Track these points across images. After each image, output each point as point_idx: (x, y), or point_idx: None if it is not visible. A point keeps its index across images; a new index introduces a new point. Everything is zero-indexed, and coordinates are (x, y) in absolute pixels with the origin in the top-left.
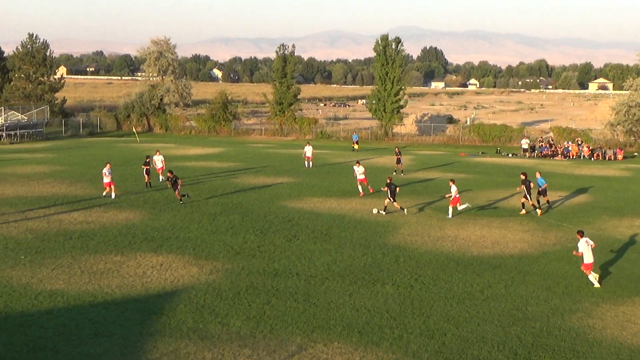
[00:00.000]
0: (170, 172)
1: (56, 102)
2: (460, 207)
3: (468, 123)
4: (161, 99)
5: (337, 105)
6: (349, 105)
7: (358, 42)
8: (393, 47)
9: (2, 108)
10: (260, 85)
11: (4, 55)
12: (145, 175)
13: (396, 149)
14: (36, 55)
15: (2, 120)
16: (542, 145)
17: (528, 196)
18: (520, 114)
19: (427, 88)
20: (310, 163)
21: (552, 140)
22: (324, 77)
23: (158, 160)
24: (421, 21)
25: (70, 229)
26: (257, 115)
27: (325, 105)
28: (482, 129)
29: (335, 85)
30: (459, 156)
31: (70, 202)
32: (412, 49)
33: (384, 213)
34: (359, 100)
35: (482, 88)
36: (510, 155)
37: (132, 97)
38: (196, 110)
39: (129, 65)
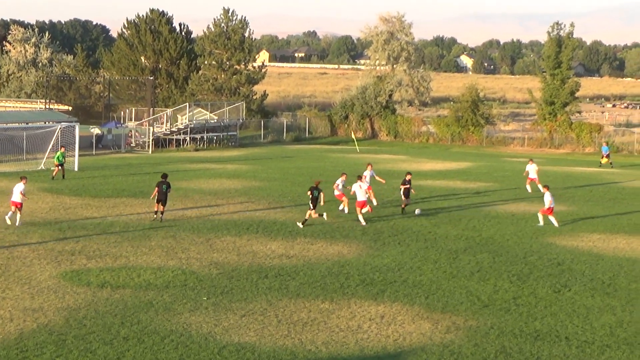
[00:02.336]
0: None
1: (254, 97)
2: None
3: None
4: (390, 95)
5: (630, 106)
6: None
7: None
8: None
9: (187, 104)
10: (524, 77)
11: (192, 36)
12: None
13: None
14: (232, 36)
15: (186, 120)
16: None
17: None
18: None
19: None
20: (528, 187)
21: None
22: (614, 68)
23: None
24: None
25: (265, 265)
26: (518, 118)
27: (614, 106)
28: None
29: (629, 79)
30: None
31: (268, 229)
32: None
33: (301, 225)
34: None
35: None
36: None
37: (351, 93)
38: (436, 110)
39: (349, 49)
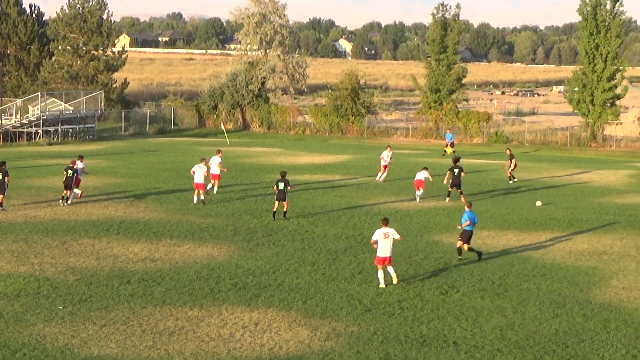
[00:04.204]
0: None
1: (114, 85)
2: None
3: None
4: (263, 83)
5: (520, 93)
6: (538, 94)
7: (554, 1)
8: (607, 7)
9: (39, 93)
10: (408, 63)
11: (44, 18)
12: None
13: (508, 150)
14: (88, 19)
15: (38, 112)
16: None
17: None
18: None
19: None
20: (383, 175)
21: None
22: (503, 52)
23: (215, 164)
24: None
25: (128, 269)
26: (401, 107)
27: (503, 93)
28: None
29: (518, 65)
30: None
31: (130, 230)
32: (637, 10)
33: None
34: (555, 87)
35: None
36: None
37: (221, 80)
38: (313, 99)
39: (218, 33)
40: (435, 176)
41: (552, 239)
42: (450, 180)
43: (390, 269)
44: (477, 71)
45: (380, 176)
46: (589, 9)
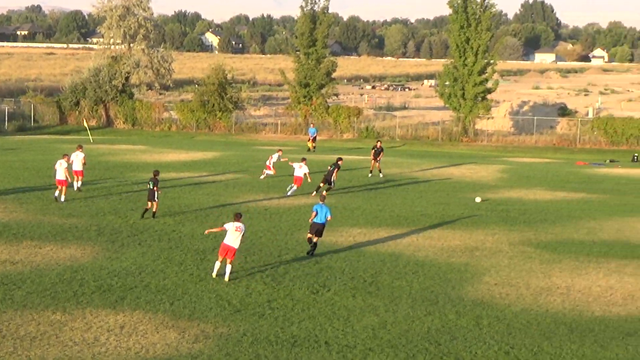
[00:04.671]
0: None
1: None
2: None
3: (590, 116)
4: (127, 78)
5: (391, 88)
6: (409, 89)
7: None
8: (478, 0)
9: None
10: (276, 57)
11: None
12: None
13: (378, 142)
14: None
15: None
16: None
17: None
18: None
19: (528, 63)
20: (268, 173)
21: None
22: (373, 46)
23: (77, 160)
24: None
25: None
26: (270, 103)
27: (374, 88)
28: (612, 125)
29: (389, 59)
30: (576, 166)
31: None
32: (507, 4)
33: None
34: (426, 81)
35: (613, 63)
36: None
37: (83, 75)
38: (179, 94)
39: (79, 26)
40: (311, 173)
41: (424, 235)
42: (324, 175)
43: (229, 267)
44: (347, 65)
45: (266, 173)
46: (459, 1)
